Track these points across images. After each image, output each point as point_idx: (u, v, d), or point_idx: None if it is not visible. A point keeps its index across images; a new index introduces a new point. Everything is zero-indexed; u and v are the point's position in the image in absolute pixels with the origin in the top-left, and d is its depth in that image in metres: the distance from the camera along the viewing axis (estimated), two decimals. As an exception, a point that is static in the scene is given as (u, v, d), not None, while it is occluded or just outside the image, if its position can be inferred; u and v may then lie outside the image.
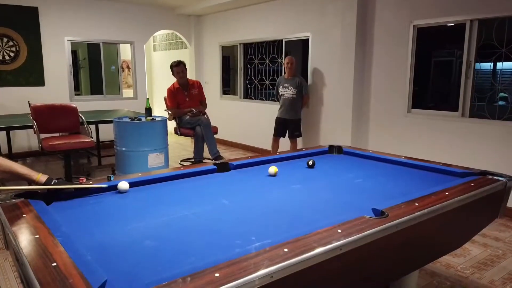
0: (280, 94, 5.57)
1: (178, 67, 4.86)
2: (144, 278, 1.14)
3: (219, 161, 2.48)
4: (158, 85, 9.56)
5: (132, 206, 1.82)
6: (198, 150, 4.77)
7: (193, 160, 4.97)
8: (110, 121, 5.39)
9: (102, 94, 7.46)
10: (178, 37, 8.62)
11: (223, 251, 1.32)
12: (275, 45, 6.64)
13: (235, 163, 2.49)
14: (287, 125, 5.50)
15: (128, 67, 8.61)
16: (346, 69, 5.04)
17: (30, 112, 5.96)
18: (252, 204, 1.87)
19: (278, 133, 5.61)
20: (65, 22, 6.73)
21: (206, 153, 4.98)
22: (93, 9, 6.99)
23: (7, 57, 6.19)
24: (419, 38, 4.54)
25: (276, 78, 6.70)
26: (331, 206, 1.84)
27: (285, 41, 6.32)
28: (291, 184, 2.20)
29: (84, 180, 2.00)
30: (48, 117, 4.05)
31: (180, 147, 7.40)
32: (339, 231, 1.40)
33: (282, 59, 6.44)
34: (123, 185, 1.96)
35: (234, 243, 1.41)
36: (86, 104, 6.92)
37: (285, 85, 5.51)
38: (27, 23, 6.34)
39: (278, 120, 5.60)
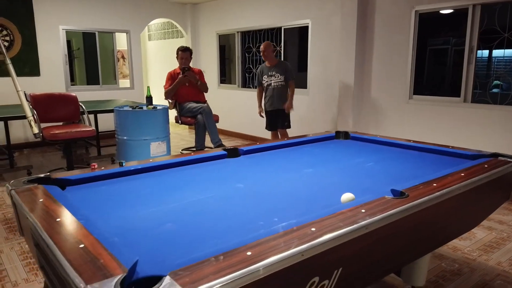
0: (266, 84, 4.96)
1: (184, 53, 4.81)
2: (172, 259, 1.13)
3: (228, 147, 2.46)
4: (153, 75, 9.46)
5: (146, 191, 1.80)
6: (199, 139, 4.74)
7: (194, 149, 4.94)
8: (109, 111, 5.35)
9: (98, 84, 7.36)
10: (174, 26, 8.50)
11: (247, 232, 1.31)
12: (273, 33, 6.58)
13: (244, 148, 2.47)
14: (278, 116, 4.99)
15: (123, 57, 8.49)
16: (347, 56, 5.02)
17: (27, 101, 5.88)
18: (267, 187, 1.86)
19: (273, 126, 5.10)
20: (59, 11, 6.59)
21: (207, 142, 4.95)
22: (87, -3, 6.86)
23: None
24: (420, 24, 4.52)
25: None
26: (347, 189, 1.83)
27: (284, 29, 6.27)
28: (303, 168, 2.19)
29: (96, 166, 1.98)
30: (47, 106, 3.99)
31: (178, 137, 7.36)
32: (363, 211, 1.40)
33: (281, 47, 6.39)
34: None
35: (257, 224, 1.40)
36: (82, 94, 6.81)
37: (270, 73, 4.90)
38: (21, 12, 6.20)
39: (269, 113, 5.04)
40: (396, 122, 4.81)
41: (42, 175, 1.81)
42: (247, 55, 7.25)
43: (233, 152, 2.41)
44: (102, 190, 1.78)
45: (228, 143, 6.51)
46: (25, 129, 6.30)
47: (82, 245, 1.13)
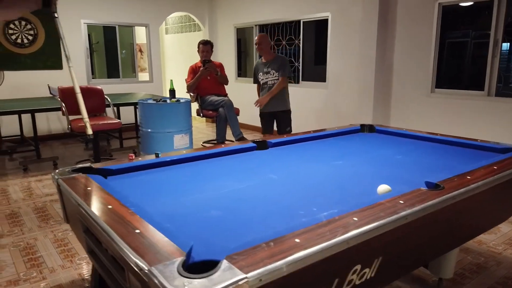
0: (262, 82, 4.45)
1: (205, 46, 4.86)
2: (225, 244, 1.18)
3: (257, 140, 2.51)
4: (170, 68, 9.53)
5: (185, 180, 1.86)
6: (220, 131, 4.80)
7: (215, 141, 5.01)
8: (131, 104, 5.45)
9: (118, 77, 7.48)
10: (191, 20, 8.55)
11: (289, 221, 1.36)
12: (292, 26, 6.58)
13: (273, 141, 2.52)
14: (275, 119, 4.48)
15: (140, 50, 8.58)
16: (367, 49, 5.00)
17: (50, 95, 6.02)
18: (299, 179, 1.90)
19: (267, 129, 4.57)
20: (81, 5, 6.69)
21: (228, 135, 5.00)
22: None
23: (25, 40, 6.20)
24: (443, 17, 4.48)
25: (294, 60, 6.67)
26: (379, 179, 1.86)
27: (303, 22, 6.26)
28: (332, 160, 2.23)
29: (133, 157, 2.05)
30: (74, 99, 4.07)
31: (196, 130, 7.42)
32: (401, 202, 1.43)
33: (299, 40, 6.39)
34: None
35: (297, 213, 1.45)
36: (103, 87, 6.94)
37: (265, 70, 4.37)
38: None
39: (263, 115, 4.51)
40: (418, 115, 4.79)
41: (84, 165, 1.88)
42: (265, 48, 7.25)
43: (262, 145, 2.46)
44: (143, 179, 1.85)
45: (248, 136, 6.55)
46: (49, 122, 6.46)
47: (138, 231, 1.19)
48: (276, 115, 4.45)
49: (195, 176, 1.92)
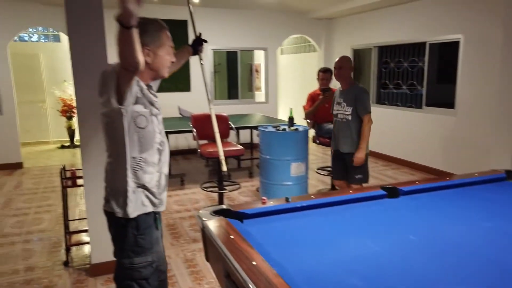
0: (333, 113, 3.86)
1: (324, 74, 4.92)
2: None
3: (387, 185, 2.39)
4: (284, 88, 9.80)
5: (317, 232, 1.87)
6: (335, 160, 4.73)
7: (330, 169, 4.97)
8: (248, 127, 5.77)
9: (236, 98, 7.98)
10: (306, 40, 8.69)
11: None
12: (415, 48, 6.19)
13: (404, 188, 2.37)
14: (345, 162, 3.74)
15: (256, 70, 9.04)
16: (509, 78, 4.39)
17: (179, 115, 6.71)
18: (443, 243, 1.74)
19: (337, 174, 3.91)
20: (209, 33, 7.35)
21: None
22: (231, 18, 7.51)
23: (162, 67, 7.05)
24: None
25: (415, 82, 6.27)
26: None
27: (429, 44, 5.84)
28: (478, 220, 2.00)
29: (266, 200, 2.14)
30: (204, 125, 4.48)
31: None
32: None
33: (424, 62, 5.97)
34: None
35: (450, 296, 1.33)
36: (222, 108, 7.48)
37: (338, 100, 3.77)
38: (178, 35, 7.10)
39: (334, 154, 3.93)
40: None
41: (223, 207, 2.03)
42: (383, 70, 6.97)
43: (393, 192, 2.34)
44: (277, 227, 1.91)
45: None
46: (176, 139, 7.19)
47: (286, 299, 1.22)
48: (343, 157, 3.74)
49: (327, 228, 1.91)
